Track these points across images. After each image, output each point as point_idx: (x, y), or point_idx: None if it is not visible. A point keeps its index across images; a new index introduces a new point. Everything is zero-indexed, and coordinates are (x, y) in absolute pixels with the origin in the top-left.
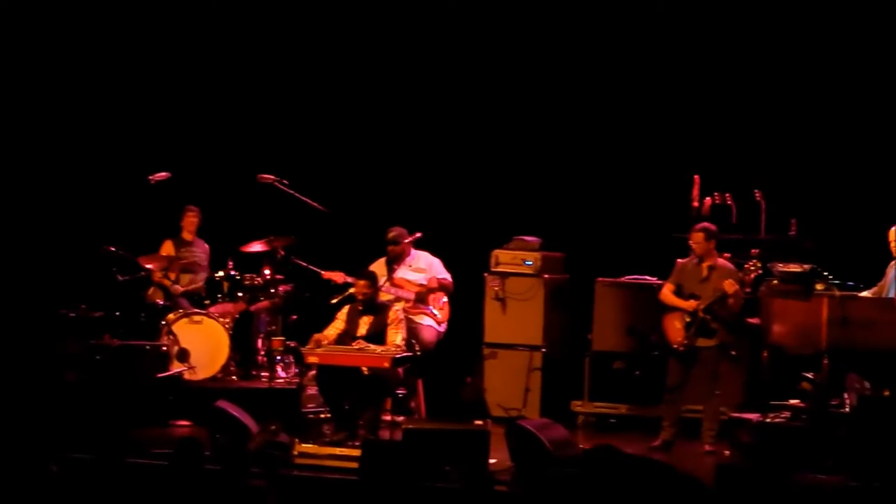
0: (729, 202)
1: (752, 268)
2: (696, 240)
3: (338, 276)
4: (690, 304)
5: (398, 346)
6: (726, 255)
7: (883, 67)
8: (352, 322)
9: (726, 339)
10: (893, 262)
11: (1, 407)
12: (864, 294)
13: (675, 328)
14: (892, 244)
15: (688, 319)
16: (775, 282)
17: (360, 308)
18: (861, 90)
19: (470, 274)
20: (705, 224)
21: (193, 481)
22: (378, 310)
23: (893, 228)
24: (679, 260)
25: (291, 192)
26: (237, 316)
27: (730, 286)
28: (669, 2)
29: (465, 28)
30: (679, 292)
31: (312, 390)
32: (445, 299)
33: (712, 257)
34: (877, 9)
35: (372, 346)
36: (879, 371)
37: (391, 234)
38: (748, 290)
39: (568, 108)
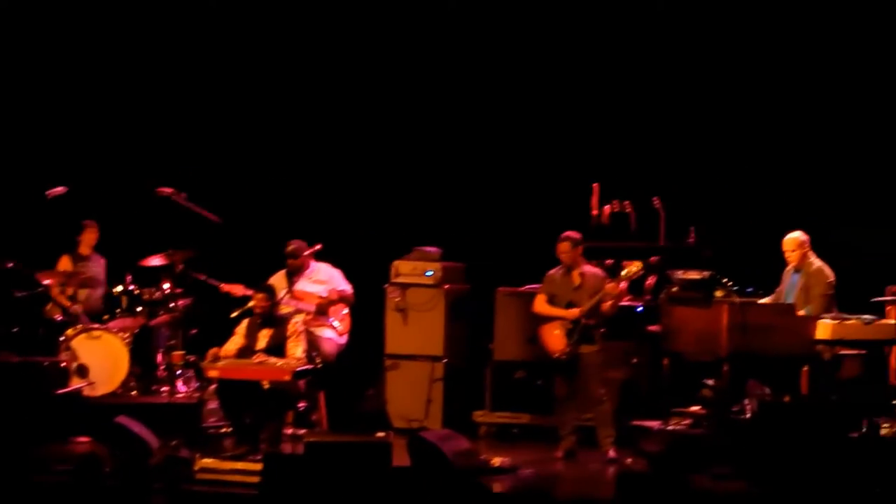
0: (628, 210)
1: (635, 268)
2: (564, 249)
3: (237, 290)
4: (572, 312)
5: (298, 359)
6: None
7: (779, 78)
8: (251, 336)
9: (604, 345)
10: (789, 269)
11: None
12: (763, 301)
13: (555, 337)
14: (786, 252)
15: (570, 327)
16: (675, 289)
17: (259, 321)
18: (757, 100)
19: (370, 285)
20: (569, 233)
21: (95, 497)
22: (277, 322)
23: (787, 237)
24: (549, 272)
25: (189, 204)
26: (136, 330)
27: (613, 288)
28: (565, 12)
29: (364, 42)
30: (552, 303)
31: (213, 405)
32: (346, 311)
33: (581, 265)
34: (766, 21)
35: (272, 360)
36: (779, 377)
37: (290, 248)
38: (648, 297)
39: (466, 117)
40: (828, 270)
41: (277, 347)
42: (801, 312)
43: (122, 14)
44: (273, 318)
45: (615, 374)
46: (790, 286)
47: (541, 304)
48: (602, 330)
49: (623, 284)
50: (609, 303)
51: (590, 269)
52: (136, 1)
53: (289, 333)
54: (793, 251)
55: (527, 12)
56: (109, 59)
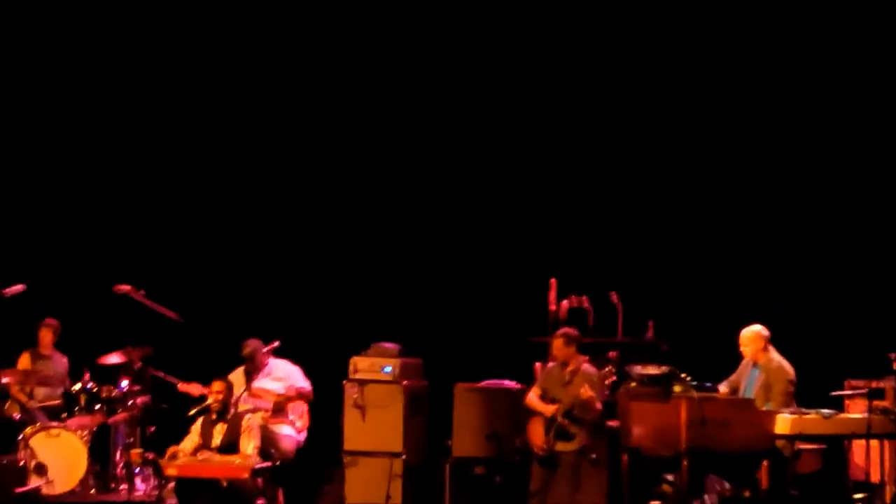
0: (586, 305)
1: (608, 372)
2: (557, 346)
3: (194, 389)
4: (549, 409)
5: (249, 456)
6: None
7: (724, 180)
8: (206, 434)
9: (586, 444)
10: (746, 362)
11: None
12: (721, 387)
13: (537, 432)
14: (742, 347)
15: (546, 423)
16: (634, 384)
17: (214, 418)
18: (707, 195)
19: (329, 381)
20: (566, 330)
21: None
22: (231, 419)
23: (745, 331)
24: (547, 364)
25: (148, 301)
26: (95, 428)
27: (584, 392)
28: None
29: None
30: (545, 396)
31: (172, 502)
32: (305, 408)
33: (576, 361)
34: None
35: (228, 457)
36: (739, 471)
37: (247, 350)
38: (607, 392)
39: (422, 213)
40: (788, 367)
41: (231, 444)
42: (763, 409)
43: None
44: (227, 414)
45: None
46: (749, 381)
47: (530, 397)
48: (582, 429)
49: (591, 391)
50: (587, 405)
51: (586, 367)
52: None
53: (242, 430)
54: (746, 346)
55: (477, 109)
56: (66, 153)
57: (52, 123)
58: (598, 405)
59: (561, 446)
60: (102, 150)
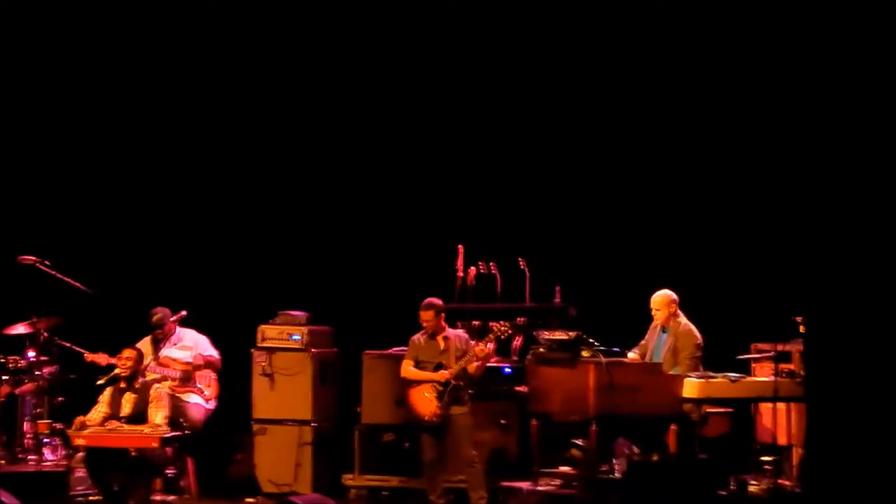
0: (494, 271)
1: (502, 328)
2: (427, 317)
3: (101, 359)
4: (442, 374)
5: (158, 425)
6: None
7: (641, 137)
8: (114, 403)
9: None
10: (655, 325)
11: None
12: (630, 354)
13: (425, 400)
14: (654, 311)
15: (440, 389)
16: (542, 350)
17: (123, 387)
18: (620, 158)
19: (237, 350)
20: (432, 300)
21: None
22: (139, 389)
23: (655, 295)
24: (412, 337)
25: (53, 272)
26: (2, 399)
27: (482, 350)
28: (424, 70)
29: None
30: (418, 367)
31: (81, 472)
32: (214, 376)
33: (443, 329)
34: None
35: (137, 427)
36: (647, 436)
37: (155, 318)
38: (515, 358)
39: (332, 179)
40: (696, 332)
41: (140, 414)
42: (670, 373)
43: None
44: (136, 383)
45: (484, 436)
46: (657, 345)
47: (407, 369)
48: (470, 391)
49: (491, 345)
50: (476, 364)
51: (453, 332)
52: None
53: (151, 399)
54: (658, 310)
55: (390, 70)
56: None
57: None
58: (485, 364)
59: (455, 409)
60: (8, 117)
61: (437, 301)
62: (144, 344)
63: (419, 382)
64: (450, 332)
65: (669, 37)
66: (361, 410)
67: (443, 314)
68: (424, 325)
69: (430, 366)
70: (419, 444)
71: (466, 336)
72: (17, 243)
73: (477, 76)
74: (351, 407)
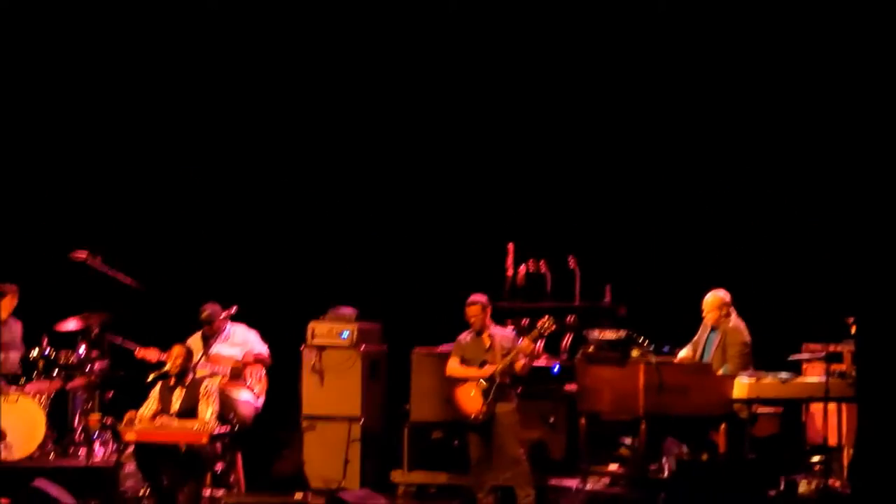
0: (543, 270)
1: (546, 323)
2: (474, 313)
3: (152, 354)
4: (487, 371)
5: (208, 422)
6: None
7: (693, 137)
8: (164, 399)
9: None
10: (706, 324)
11: None
12: (681, 352)
13: (471, 398)
14: (705, 312)
15: (485, 387)
16: (591, 349)
17: (173, 383)
18: (672, 158)
19: (287, 346)
20: (477, 296)
21: None
22: (189, 385)
23: (709, 295)
24: (459, 336)
25: (105, 268)
26: (53, 394)
27: (527, 346)
28: (473, 73)
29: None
30: (464, 365)
31: (131, 467)
32: (263, 372)
33: (489, 327)
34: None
35: (187, 422)
36: (696, 435)
37: (205, 314)
38: (564, 356)
39: (382, 176)
40: (744, 329)
41: (190, 410)
42: (720, 372)
43: (34, 70)
44: (185, 380)
45: (531, 434)
46: (707, 344)
47: (454, 367)
48: (517, 389)
49: (538, 343)
50: (522, 361)
51: (499, 329)
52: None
53: (200, 395)
54: (709, 312)
55: (435, 74)
56: (25, 120)
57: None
58: (531, 362)
59: (501, 407)
60: (60, 116)
61: (483, 297)
62: (195, 339)
63: (465, 380)
64: (496, 329)
65: (725, 39)
66: (410, 408)
67: (488, 310)
68: (470, 321)
69: (476, 363)
70: (467, 442)
71: (513, 334)
72: (69, 239)
73: (533, 72)
74: (399, 404)
